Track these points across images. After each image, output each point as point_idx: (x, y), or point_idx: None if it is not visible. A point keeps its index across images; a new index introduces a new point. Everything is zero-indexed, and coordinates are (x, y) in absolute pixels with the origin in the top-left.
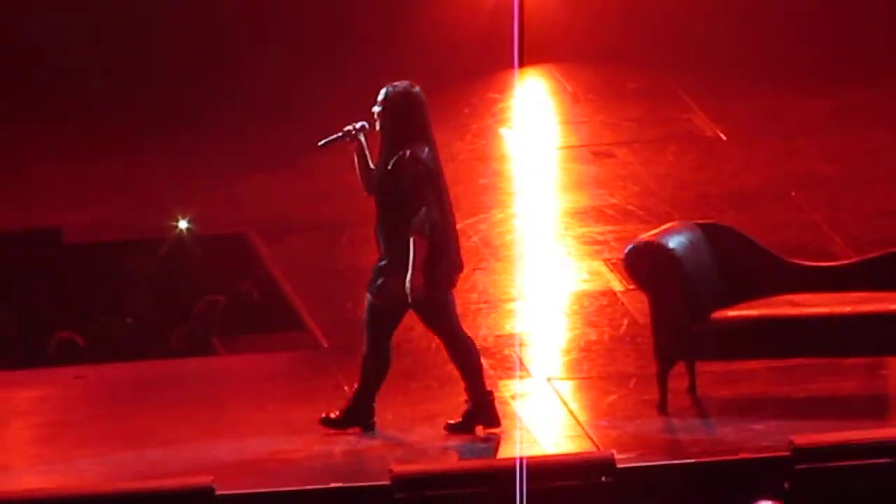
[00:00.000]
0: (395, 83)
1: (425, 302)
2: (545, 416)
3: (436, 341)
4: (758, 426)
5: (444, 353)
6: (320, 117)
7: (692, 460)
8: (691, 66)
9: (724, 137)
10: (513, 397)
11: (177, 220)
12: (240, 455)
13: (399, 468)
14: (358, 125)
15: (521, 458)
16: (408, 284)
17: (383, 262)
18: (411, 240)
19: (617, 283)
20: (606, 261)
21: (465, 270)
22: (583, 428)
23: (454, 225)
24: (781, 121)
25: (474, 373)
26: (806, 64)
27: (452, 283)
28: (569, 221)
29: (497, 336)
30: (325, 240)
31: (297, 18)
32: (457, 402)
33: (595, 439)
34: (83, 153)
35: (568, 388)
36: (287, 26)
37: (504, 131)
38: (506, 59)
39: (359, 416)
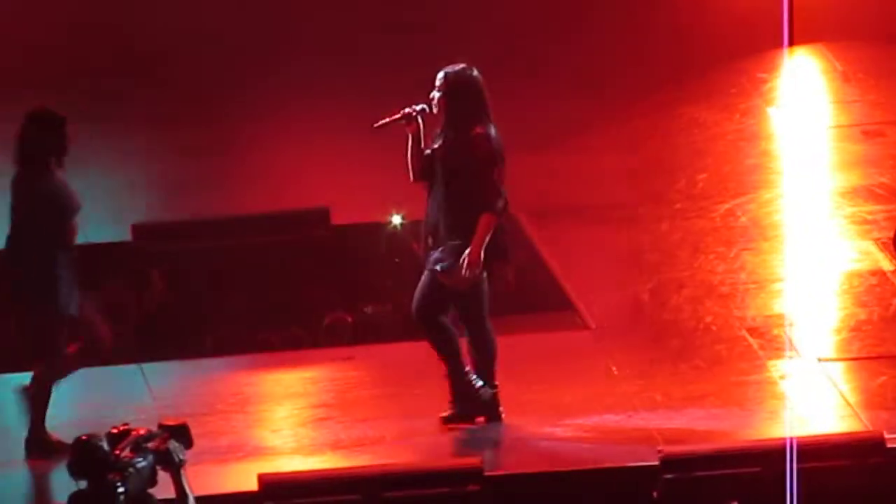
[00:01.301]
0: (453, 66)
1: (471, 283)
2: (815, 396)
3: (703, 322)
4: None
5: (712, 334)
6: (596, 93)
7: None
8: None
9: None
10: (782, 377)
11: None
12: (508, 435)
13: (668, 448)
14: (418, 107)
15: (792, 438)
16: (464, 259)
17: (457, 243)
18: (481, 217)
19: (887, 263)
20: (876, 240)
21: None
22: (853, 408)
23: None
24: None
25: (489, 366)
26: None
27: (490, 270)
28: (838, 201)
29: (766, 316)
30: (593, 220)
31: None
32: (726, 383)
33: (865, 420)
34: (343, 132)
35: (837, 369)
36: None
37: (772, 111)
38: (775, 39)
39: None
